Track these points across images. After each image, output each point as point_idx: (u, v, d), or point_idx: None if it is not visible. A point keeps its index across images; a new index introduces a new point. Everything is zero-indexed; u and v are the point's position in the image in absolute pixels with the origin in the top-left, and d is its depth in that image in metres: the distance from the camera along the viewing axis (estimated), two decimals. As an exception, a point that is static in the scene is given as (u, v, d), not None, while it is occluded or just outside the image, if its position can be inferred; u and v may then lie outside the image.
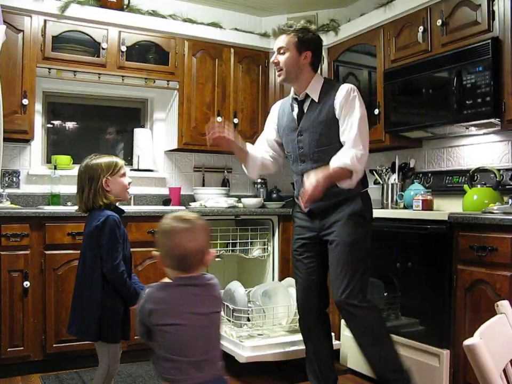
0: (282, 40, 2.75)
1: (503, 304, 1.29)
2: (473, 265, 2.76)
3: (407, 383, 2.67)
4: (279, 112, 2.98)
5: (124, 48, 4.03)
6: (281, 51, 2.75)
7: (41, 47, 3.76)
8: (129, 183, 2.54)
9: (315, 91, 2.76)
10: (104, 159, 2.47)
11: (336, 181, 2.62)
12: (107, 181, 2.43)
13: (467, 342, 1.00)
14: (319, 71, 2.86)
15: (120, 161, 2.52)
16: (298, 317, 3.46)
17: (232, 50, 4.49)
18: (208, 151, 4.61)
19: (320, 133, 2.71)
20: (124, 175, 2.51)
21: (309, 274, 2.84)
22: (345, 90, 2.68)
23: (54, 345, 3.46)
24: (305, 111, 2.79)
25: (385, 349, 2.68)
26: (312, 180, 2.47)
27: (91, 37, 3.95)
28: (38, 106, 4.07)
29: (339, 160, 2.59)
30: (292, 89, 2.87)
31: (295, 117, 2.83)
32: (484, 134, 3.49)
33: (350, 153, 2.58)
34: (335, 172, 2.57)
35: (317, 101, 2.74)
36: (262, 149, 3.01)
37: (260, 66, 4.62)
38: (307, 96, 2.78)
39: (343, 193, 2.68)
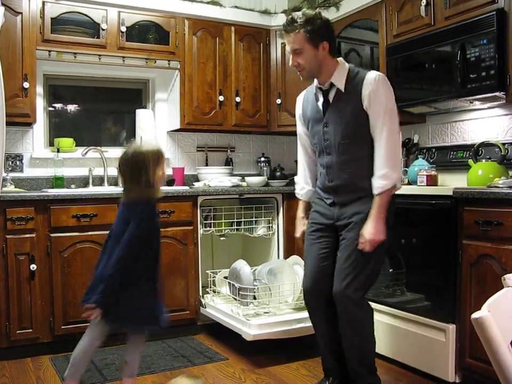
0: (293, 41, 2.58)
1: (510, 277, 1.29)
2: (478, 240, 2.75)
3: None
4: (303, 104, 2.86)
5: (123, 29, 3.99)
6: (297, 52, 2.60)
7: (41, 29, 3.73)
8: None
9: (340, 80, 2.61)
10: (151, 148, 2.46)
11: (388, 204, 2.57)
12: (156, 174, 2.43)
13: (475, 315, 1.00)
14: (341, 57, 2.70)
15: (163, 150, 2.53)
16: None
17: (232, 28, 4.45)
18: (210, 131, 4.60)
19: (347, 124, 2.59)
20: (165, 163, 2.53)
21: (321, 260, 2.74)
22: (372, 79, 2.55)
23: (62, 327, 3.49)
24: (330, 101, 2.67)
25: (367, 350, 2.69)
26: (370, 230, 2.51)
27: (90, 18, 3.91)
28: (39, 89, 4.05)
29: (379, 186, 2.53)
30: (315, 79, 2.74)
31: (320, 107, 2.71)
32: (488, 108, 3.46)
33: (383, 172, 2.52)
34: (383, 200, 2.54)
35: (343, 90, 2.61)
36: (310, 163, 2.93)
37: (261, 44, 4.57)
38: (332, 85, 2.65)
39: (368, 188, 2.59)
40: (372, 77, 2.56)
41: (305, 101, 2.84)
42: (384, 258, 2.70)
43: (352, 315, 2.61)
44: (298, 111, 2.90)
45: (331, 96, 2.66)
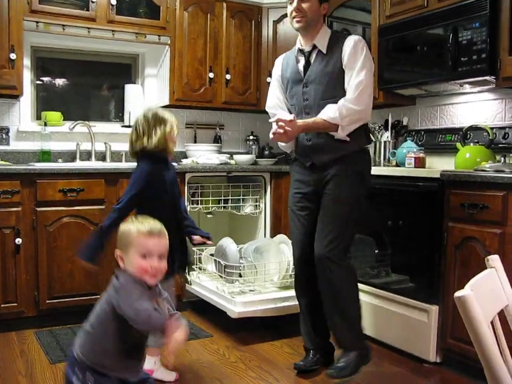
0: None
1: (493, 258, 1.31)
2: (464, 222, 2.77)
3: (365, 353, 2.73)
4: (282, 65, 2.92)
5: (113, 2, 3.92)
6: None
7: (28, 0, 3.66)
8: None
9: (323, 42, 2.73)
10: (169, 115, 2.72)
11: (319, 131, 2.68)
12: (170, 133, 2.69)
13: (458, 293, 1.01)
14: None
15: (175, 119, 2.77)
16: (289, 273, 3.51)
17: (224, 5, 4.39)
18: (200, 108, 4.57)
19: (327, 84, 2.69)
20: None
21: (306, 229, 2.81)
22: (352, 41, 2.67)
23: (47, 301, 3.48)
24: (312, 62, 2.76)
25: (352, 313, 2.73)
26: (294, 120, 2.58)
27: (80, -11, 3.85)
28: (27, 62, 3.99)
29: (326, 112, 2.62)
30: (298, 40, 2.84)
31: (301, 68, 2.79)
32: (478, 92, 3.46)
33: (341, 106, 2.60)
34: (317, 123, 2.63)
35: (324, 52, 2.72)
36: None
37: (253, 22, 4.53)
38: (314, 47, 2.75)
39: (345, 147, 2.68)
40: (352, 39, 2.69)
41: (285, 63, 2.91)
42: (361, 217, 2.77)
43: (335, 276, 2.67)
44: (277, 72, 2.95)
45: (312, 58, 2.76)
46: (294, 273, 3.02)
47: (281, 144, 2.91)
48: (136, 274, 1.85)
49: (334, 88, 2.68)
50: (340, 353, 2.76)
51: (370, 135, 2.85)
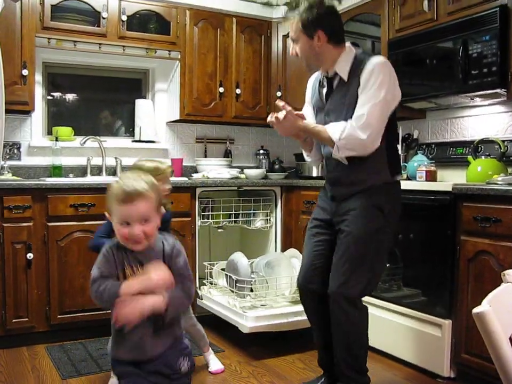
0: (291, 29, 2.56)
1: (510, 273, 1.29)
2: (476, 236, 2.75)
3: None
4: (313, 88, 2.77)
5: (124, 18, 3.97)
6: (294, 41, 2.57)
7: (40, 17, 3.71)
8: (168, 189, 2.63)
9: (344, 68, 2.50)
10: (149, 163, 2.58)
11: (316, 138, 2.62)
12: None
13: (476, 309, 1.00)
14: (349, 43, 2.58)
15: (164, 167, 2.64)
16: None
17: (234, 19, 4.43)
18: (210, 122, 4.59)
19: (346, 115, 2.46)
20: (165, 180, 2.57)
21: (314, 258, 2.69)
22: (371, 65, 2.41)
23: (58, 316, 3.48)
24: (334, 89, 2.57)
25: (358, 352, 2.59)
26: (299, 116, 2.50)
27: (91, 5, 3.89)
28: (38, 77, 4.03)
29: (333, 128, 2.46)
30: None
31: (324, 95, 2.63)
32: (489, 104, 3.45)
33: (348, 130, 2.41)
34: (317, 130, 2.53)
35: (346, 79, 2.49)
36: None
37: (263, 36, 4.56)
38: (336, 73, 2.54)
39: (365, 182, 2.51)
40: (372, 63, 2.42)
41: (314, 86, 2.76)
42: (385, 258, 2.62)
43: (345, 315, 2.52)
44: (308, 95, 2.80)
45: (335, 85, 2.57)
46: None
47: (307, 159, 2.84)
48: (120, 240, 1.75)
49: None
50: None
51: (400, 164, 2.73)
